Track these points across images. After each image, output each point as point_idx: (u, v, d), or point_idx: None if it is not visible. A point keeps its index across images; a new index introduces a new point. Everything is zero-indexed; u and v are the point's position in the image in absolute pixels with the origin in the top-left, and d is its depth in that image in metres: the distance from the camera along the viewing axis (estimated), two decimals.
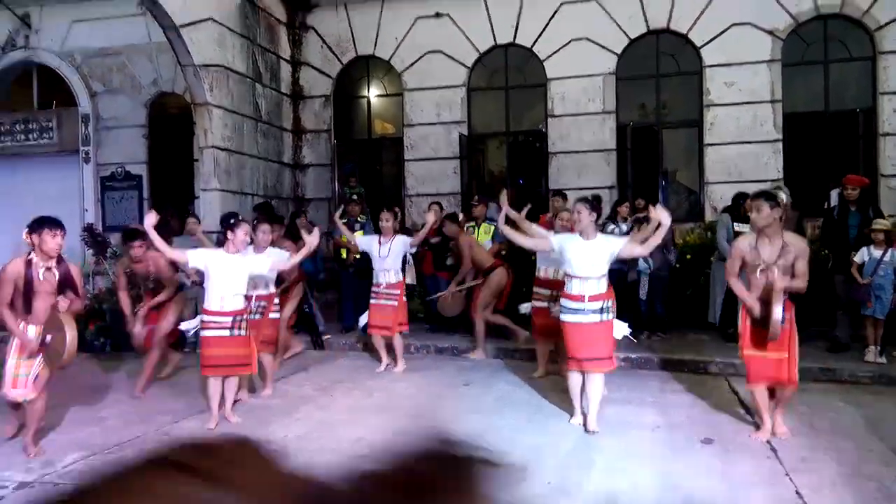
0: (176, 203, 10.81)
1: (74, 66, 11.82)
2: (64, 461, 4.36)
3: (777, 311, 4.37)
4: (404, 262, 8.54)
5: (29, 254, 4.44)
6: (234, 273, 5.17)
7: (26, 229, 4.43)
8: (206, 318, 5.12)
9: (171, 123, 11.67)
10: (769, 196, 4.69)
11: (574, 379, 5.01)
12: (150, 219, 5.12)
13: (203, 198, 9.39)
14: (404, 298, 6.89)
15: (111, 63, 11.72)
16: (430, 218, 6.66)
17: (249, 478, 0.65)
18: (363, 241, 7.14)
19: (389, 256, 6.74)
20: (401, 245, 6.79)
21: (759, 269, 4.60)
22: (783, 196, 5.04)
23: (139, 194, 11.70)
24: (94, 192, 11.82)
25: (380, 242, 6.79)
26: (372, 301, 6.84)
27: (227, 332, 5.09)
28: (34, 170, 12.02)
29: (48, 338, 4.36)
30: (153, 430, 5.01)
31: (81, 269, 5.82)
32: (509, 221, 5.71)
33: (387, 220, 6.79)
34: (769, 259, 4.58)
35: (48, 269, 4.43)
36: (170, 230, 11.02)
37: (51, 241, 4.38)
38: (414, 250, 7.13)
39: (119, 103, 11.72)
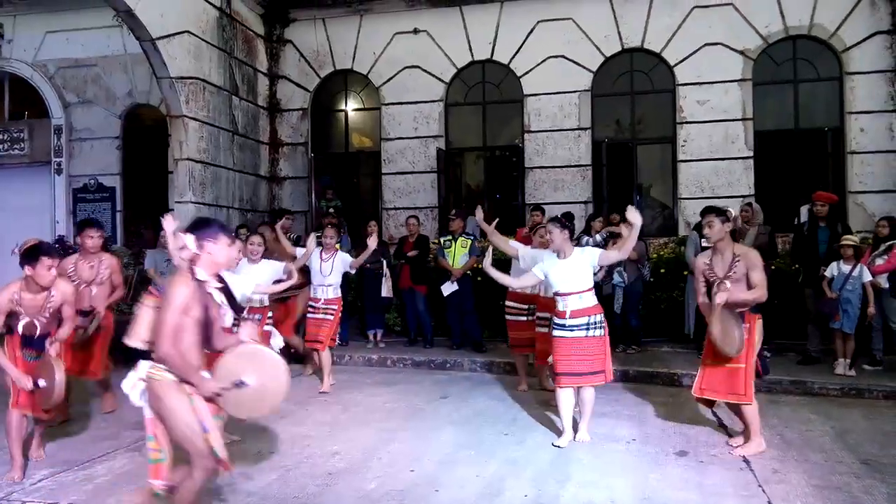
0: (150, 215, 10.70)
1: (47, 77, 11.68)
2: (32, 478, 4.26)
3: (716, 328, 4.48)
4: (382, 275, 8.59)
5: (190, 267, 3.15)
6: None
7: (193, 235, 3.17)
8: None
9: (145, 135, 11.56)
10: (719, 211, 4.80)
11: (564, 397, 4.94)
12: (171, 222, 4.92)
13: (177, 210, 9.27)
14: (340, 315, 6.86)
15: (85, 74, 11.62)
16: (371, 243, 6.64)
17: None
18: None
19: (332, 273, 6.73)
20: (341, 263, 6.78)
21: (715, 284, 4.68)
22: (732, 211, 5.17)
23: (112, 206, 11.55)
24: (65, 203, 11.64)
25: (322, 258, 6.76)
26: (309, 315, 6.83)
27: None
28: (4, 181, 11.82)
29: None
30: (124, 445, 4.91)
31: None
32: (494, 263, 5.60)
33: (330, 238, 6.78)
34: (721, 273, 4.67)
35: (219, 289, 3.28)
36: (143, 242, 10.88)
37: (228, 249, 3.25)
38: (353, 271, 7.11)
39: (93, 114, 11.59)
